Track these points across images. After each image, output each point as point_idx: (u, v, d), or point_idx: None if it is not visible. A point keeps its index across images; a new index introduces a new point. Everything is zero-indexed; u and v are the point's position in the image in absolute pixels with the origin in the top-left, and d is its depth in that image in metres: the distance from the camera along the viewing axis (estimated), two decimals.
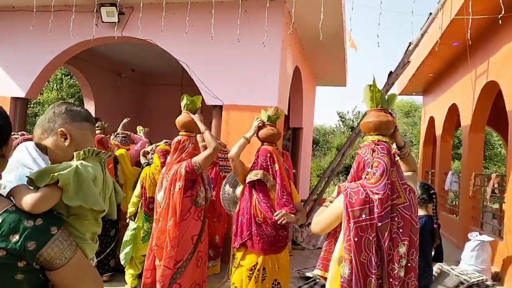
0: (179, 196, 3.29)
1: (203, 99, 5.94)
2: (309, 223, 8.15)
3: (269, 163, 3.18)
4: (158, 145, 4.72)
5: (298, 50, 7.25)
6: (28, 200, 1.11)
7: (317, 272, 2.26)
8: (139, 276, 4.33)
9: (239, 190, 4.33)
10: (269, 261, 3.12)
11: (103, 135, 4.96)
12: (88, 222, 1.25)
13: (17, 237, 1.06)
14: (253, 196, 3.14)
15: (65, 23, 6.06)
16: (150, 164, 4.62)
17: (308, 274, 5.14)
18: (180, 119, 3.52)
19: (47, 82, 13.68)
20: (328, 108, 49.43)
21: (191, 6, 5.48)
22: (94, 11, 6.02)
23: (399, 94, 11.85)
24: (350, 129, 22.40)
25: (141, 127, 5.90)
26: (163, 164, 4.28)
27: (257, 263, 3.10)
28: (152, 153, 4.88)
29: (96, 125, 6.31)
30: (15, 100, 6.59)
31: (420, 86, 11.47)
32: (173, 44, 5.98)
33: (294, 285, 4.96)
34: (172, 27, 5.86)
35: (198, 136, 4.24)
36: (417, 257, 2.04)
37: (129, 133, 5.96)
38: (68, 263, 1.13)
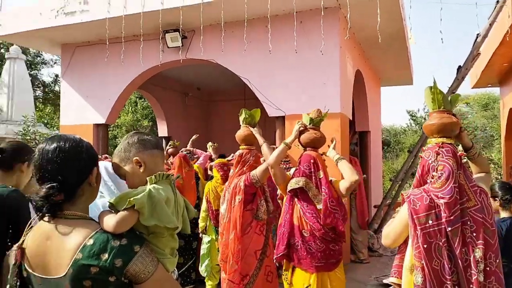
0: (239, 209, 3.23)
1: (265, 111, 6.08)
2: None
3: (312, 170, 2.93)
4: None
5: (358, 53, 7.15)
6: (110, 223, 1.26)
7: (392, 280, 2.23)
8: (218, 285, 4.51)
9: None
10: (320, 281, 2.83)
11: (188, 153, 5.32)
12: (166, 239, 1.37)
13: (106, 255, 1.20)
14: (296, 206, 2.91)
15: (135, 52, 6.55)
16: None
17: (386, 281, 4.99)
18: (239, 133, 3.56)
19: (123, 107, 14.75)
20: (397, 107, 47.51)
21: (248, 23, 5.67)
22: (160, 38, 6.45)
23: (473, 88, 11.09)
24: (421, 128, 21.33)
25: (210, 143, 6.16)
26: (222, 177, 4.43)
27: (309, 285, 2.82)
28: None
29: (169, 143, 6.72)
30: (97, 126, 7.22)
31: (495, 78, 10.65)
32: (234, 61, 6.20)
33: None
34: (232, 45, 6.09)
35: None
36: (497, 260, 1.94)
37: (192, 148, 6.20)
38: (152, 277, 1.26)
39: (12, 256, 1.30)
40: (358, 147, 8.71)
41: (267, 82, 5.99)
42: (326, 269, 2.82)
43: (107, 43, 6.47)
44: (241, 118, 3.60)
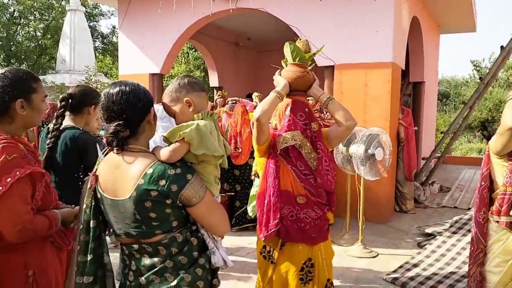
0: None
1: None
2: (433, 182, 7.80)
3: (308, 121, 2.38)
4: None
5: None
6: (164, 153, 1.47)
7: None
8: None
9: (354, 148, 4.35)
10: (318, 254, 2.41)
11: (233, 102, 5.54)
12: (211, 168, 1.58)
13: (164, 181, 1.42)
14: (284, 168, 2.36)
15: (186, 3, 6.65)
16: None
17: (427, 231, 5.06)
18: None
19: (176, 57, 15.10)
20: (460, 57, 44.37)
21: None
22: None
23: None
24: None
25: (256, 93, 6.27)
26: None
27: (310, 259, 2.39)
28: None
29: (217, 93, 6.93)
30: (152, 76, 7.55)
31: None
32: (284, 10, 6.14)
33: (414, 241, 4.95)
34: None
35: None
36: None
37: (238, 98, 6.32)
38: (202, 200, 1.49)
39: (88, 181, 1.57)
40: (411, 98, 8.46)
41: (316, 31, 5.91)
42: (324, 238, 2.44)
43: None
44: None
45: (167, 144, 1.54)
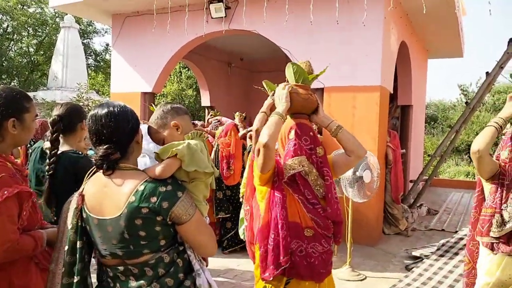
0: None
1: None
2: (421, 205, 7.85)
3: (312, 145, 2.19)
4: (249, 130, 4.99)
5: (404, 24, 6.96)
6: (157, 169, 1.50)
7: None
8: None
9: (363, 173, 4.30)
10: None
11: (216, 121, 5.57)
12: (202, 187, 1.61)
13: (155, 198, 1.44)
14: (294, 197, 2.14)
15: (180, 23, 6.76)
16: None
17: (415, 254, 5.08)
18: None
19: (169, 76, 15.20)
20: (447, 81, 45.29)
21: None
22: (204, 8, 6.60)
23: None
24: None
25: (238, 113, 6.28)
26: None
27: None
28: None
29: (210, 113, 6.97)
30: (144, 94, 7.58)
31: None
32: (275, 32, 6.26)
33: (402, 264, 4.96)
34: (274, 16, 6.14)
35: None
36: None
37: (219, 117, 6.25)
38: (191, 219, 1.51)
39: (74, 201, 1.57)
40: (399, 121, 8.59)
41: (307, 53, 6.01)
42: (329, 272, 2.28)
43: (155, 13, 6.70)
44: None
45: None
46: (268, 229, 2.13)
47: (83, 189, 1.59)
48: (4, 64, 17.96)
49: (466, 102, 6.86)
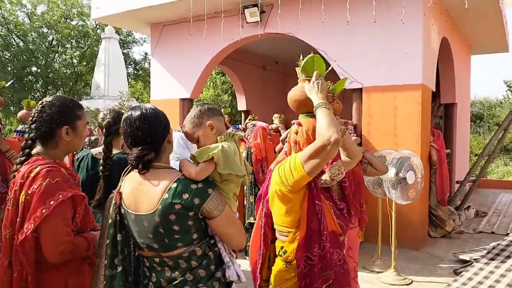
0: None
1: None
2: (468, 206, 7.54)
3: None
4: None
5: (444, 20, 6.73)
6: (193, 171, 1.58)
7: None
8: None
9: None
10: None
11: (252, 126, 5.56)
12: (233, 186, 1.69)
13: (187, 195, 1.52)
14: (327, 204, 2.06)
15: (216, 29, 6.85)
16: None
17: (463, 257, 4.87)
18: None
19: (206, 82, 15.44)
20: (493, 78, 43.31)
21: None
22: (239, 14, 6.66)
23: None
24: None
25: (276, 115, 6.22)
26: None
27: None
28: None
29: (248, 117, 6.99)
30: (182, 100, 7.73)
31: None
32: (311, 34, 6.22)
33: (450, 268, 4.77)
34: (309, 18, 6.11)
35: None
36: None
37: (255, 122, 6.19)
38: (221, 214, 1.58)
39: (112, 198, 1.67)
40: (442, 120, 8.30)
41: (344, 53, 5.94)
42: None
43: (191, 21, 6.83)
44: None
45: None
46: (308, 242, 1.95)
47: (120, 186, 1.68)
48: (50, 76, 18.90)
49: None
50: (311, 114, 2.10)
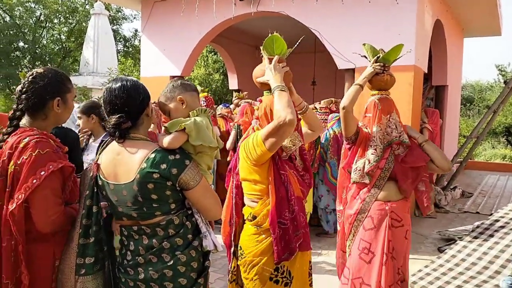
0: None
1: (335, 64, 6.04)
2: (455, 187, 7.69)
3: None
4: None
5: (439, 1, 6.71)
6: (165, 140, 1.62)
7: None
8: None
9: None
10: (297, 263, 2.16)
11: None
12: (206, 158, 1.75)
13: (165, 165, 1.58)
14: (291, 172, 2.18)
15: (208, 6, 6.74)
16: None
17: (448, 236, 4.99)
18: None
19: (196, 60, 15.27)
20: (484, 61, 43.47)
21: None
22: None
23: None
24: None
25: (236, 93, 6.15)
26: None
27: (310, 261, 2.27)
28: None
29: (234, 95, 6.97)
30: (173, 78, 7.64)
31: None
32: (305, 13, 6.16)
33: (434, 246, 4.89)
34: None
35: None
36: None
37: (250, 101, 6.21)
38: (198, 185, 1.65)
39: (89, 170, 1.72)
40: (433, 102, 8.36)
41: (338, 34, 5.91)
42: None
43: None
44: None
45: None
46: (279, 208, 2.08)
47: (97, 158, 1.72)
48: (37, 51, 18.52)
49: (504, 82, 6.59)
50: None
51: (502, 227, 4.58)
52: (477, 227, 4.79)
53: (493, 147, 18.09)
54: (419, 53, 5.64)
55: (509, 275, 3.55)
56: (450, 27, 7.89)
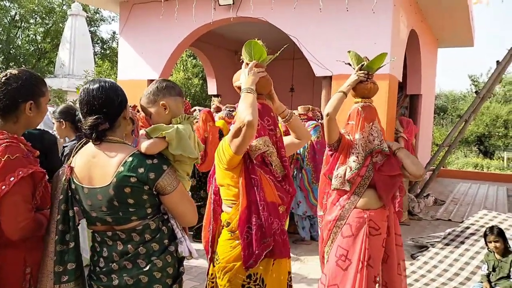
0: None
1: (312, 71, 6.09)
2: (428, 194, 7.84)
3: (273, 126, 2.22)
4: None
5: (414, 12, 6.87)
6: (144, 145, 1.59)
7: None
8: None
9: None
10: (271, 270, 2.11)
11: (231, 110, 5.51)
12: (186, 166, 1.72)
13: (142, 169, 1.54)
14: (266, 177, 2.12)
15: (188, 10, 6.72)
16: None
17: (421, 243, 5.08)
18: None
19: (175, 64, 15.16)
20: (458, 72, 44.77)
21: None
22: None
23: None
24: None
25: (215, 98, 6.17)
26: None
27: (289, 272, 2.22)
28: None
29: (212, 100, 6.96)
30: (150, 82, 7.55)
31: None
32: (283, 20, 6.22)
33: (407, 253, 4.96)
34: (282, 3, 6.09)
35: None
36: None
37: (236, 105, 6.24)
38: (175, 190, 1.61)
39: (62, 173, 1.66)
40: (408, 111, 8.53)
41: (315, 41, 5.98)
42: (288, 253, 2.24)
43: (162, 0, 6.67)
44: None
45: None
46: (248, 212, 2.04)
47: (71, 161, 1.67)
48: (11, 52, 18.04)
49: (476, 92, 6.79)
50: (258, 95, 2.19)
51: (473, 234, 4.70)
52: (449, 234, 4.91)
53: (465, 156, 18.60)
54: (394, 62, 5.76)
55: (478, 282, 3.64)
56: (424, 37, 8.10)
